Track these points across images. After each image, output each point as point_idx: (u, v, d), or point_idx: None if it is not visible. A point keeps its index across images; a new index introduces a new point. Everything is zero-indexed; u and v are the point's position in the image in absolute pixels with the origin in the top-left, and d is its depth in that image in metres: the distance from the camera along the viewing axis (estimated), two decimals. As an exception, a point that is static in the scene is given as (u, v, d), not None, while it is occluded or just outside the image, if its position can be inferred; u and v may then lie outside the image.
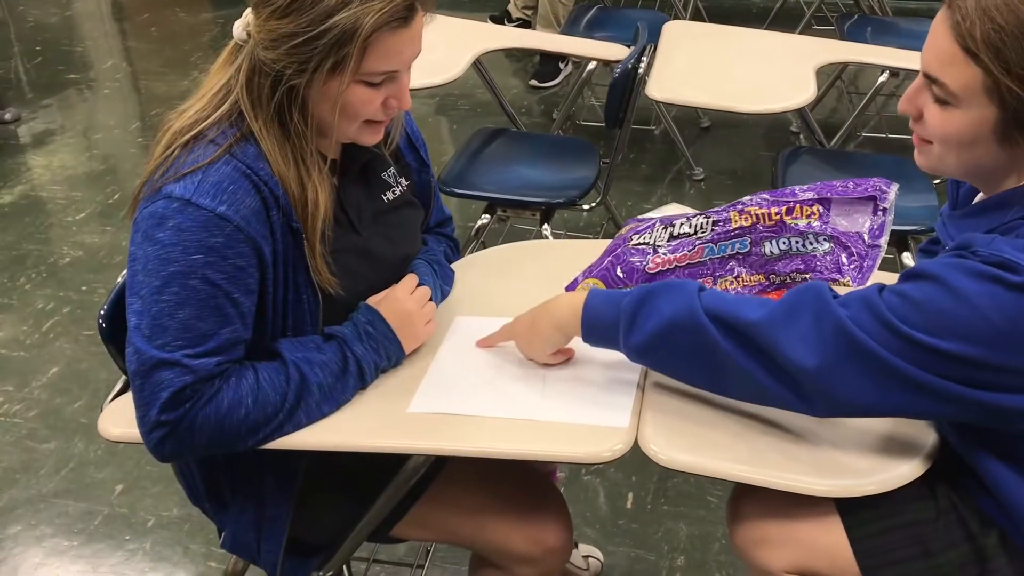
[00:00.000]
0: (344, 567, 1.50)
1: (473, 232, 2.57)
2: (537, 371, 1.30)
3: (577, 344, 1.29)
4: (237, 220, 1.14)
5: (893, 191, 1.30)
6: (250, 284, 1.17)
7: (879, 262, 1.27)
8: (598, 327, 1.20)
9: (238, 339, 1.18)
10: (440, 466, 1.40)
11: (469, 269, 1.57)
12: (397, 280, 1.35)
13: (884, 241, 1.28)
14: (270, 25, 1.13)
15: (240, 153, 1.17)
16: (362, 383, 1.26)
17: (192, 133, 1.19)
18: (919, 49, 1.13)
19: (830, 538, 1.20)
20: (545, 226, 2.53)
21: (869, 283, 1.26)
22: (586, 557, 1.91)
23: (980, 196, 1.19)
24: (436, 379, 1.29)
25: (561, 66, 4.26)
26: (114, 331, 1.31)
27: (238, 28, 1.19)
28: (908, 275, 1.06)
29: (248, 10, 1.18)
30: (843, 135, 3.19)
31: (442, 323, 1.40)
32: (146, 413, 1.14)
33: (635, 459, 1.19)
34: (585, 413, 1.21)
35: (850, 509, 1.20)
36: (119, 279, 1.33)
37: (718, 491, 2.13)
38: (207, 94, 1.22)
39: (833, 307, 1.05)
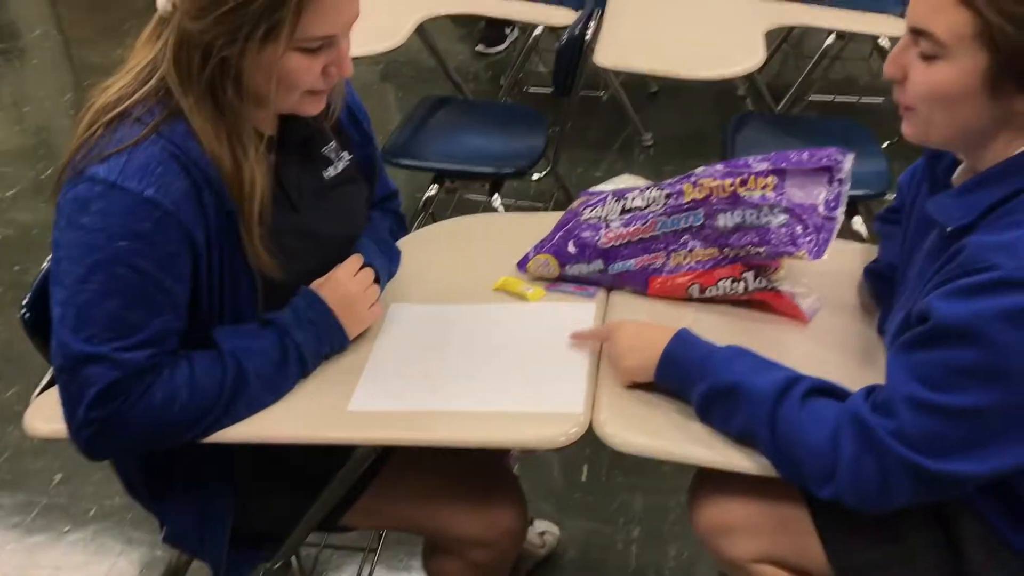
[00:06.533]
0: (293, 556, 1.46)
1: (421, 204, 2.52)
2: (484, 360, 1.25)
3: (525, 330, 1.26)
4: (167, 204, 1.08)
5: (848, 161, 1.28)
6: (182, 271, 1.12)
7: (835, 234, 1.25)
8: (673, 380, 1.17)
9: (170, 329, 1.12)
10: (389, 453, 1.36)
11: (417, 246, 1.51)
12: (343, 261, 1.29)
13: (840, 213, 1.26)
14: (195, -7, 1.06)
15: (168, 132, 1.11)
16: (304, 371, 1.21)
17: (116, 111, 1.12)
18: (866, 10, 1.09)
19: (796, 524, 1.18)
20: (496, 196, 2.49)
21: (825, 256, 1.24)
22: (542, 534, 1.89)
23: (959, 173, 1.15)
24: (376, 373, 1.23)
25: (507, 31, 4.19)
26: (39, 321, 1.24)
27: (161, -1, 1.11)
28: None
29: (170, -22, 1.11)
30: (790, 99, 3.18)
31: (387, 305, 1.35)
32: (74, 411, 1.09)
33: (590, 432, 1.16)
34: (537, 400, 1.17)
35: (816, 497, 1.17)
36: (44, 264, 1.26)
37: (672, 461, 2.12)
38: (132, 70, 1.15)
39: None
